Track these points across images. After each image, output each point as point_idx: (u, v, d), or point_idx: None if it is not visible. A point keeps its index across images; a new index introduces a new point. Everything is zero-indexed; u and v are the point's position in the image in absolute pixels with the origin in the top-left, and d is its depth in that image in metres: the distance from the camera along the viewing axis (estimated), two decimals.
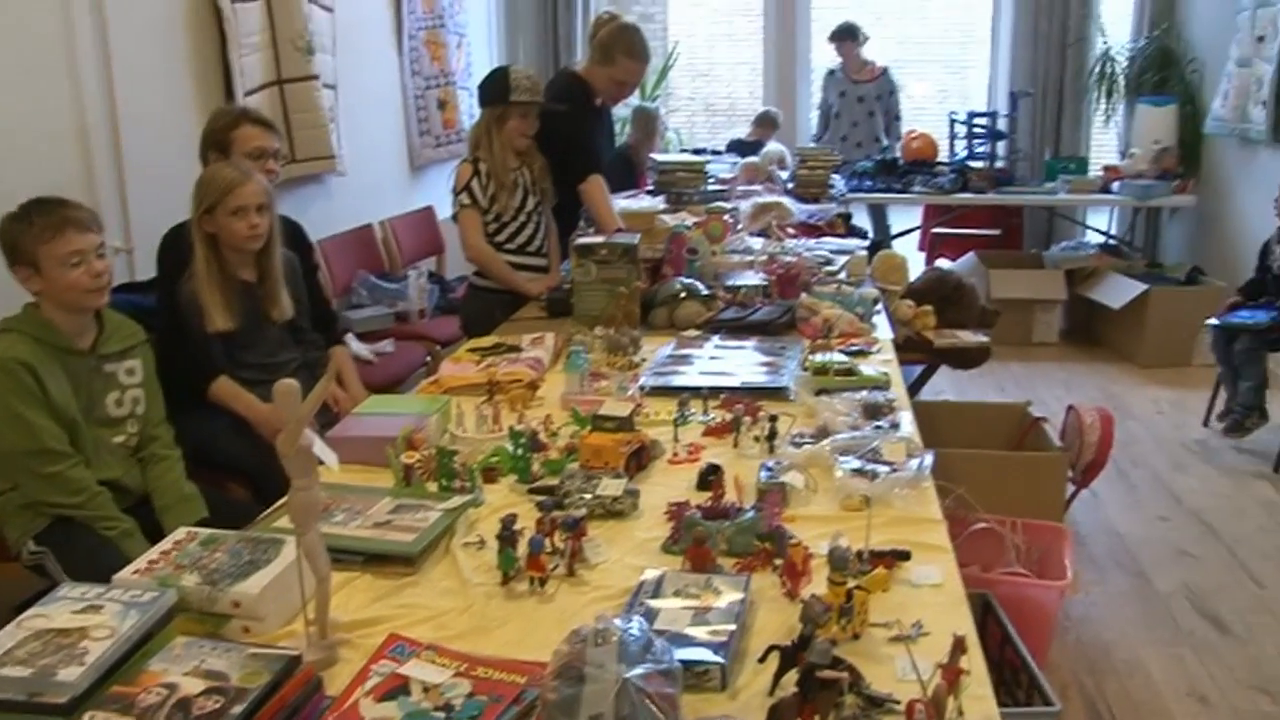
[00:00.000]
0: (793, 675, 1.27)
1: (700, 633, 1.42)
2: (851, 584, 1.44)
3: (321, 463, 1.44)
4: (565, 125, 3.65)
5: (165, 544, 1.62)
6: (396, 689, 1.29)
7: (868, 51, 7.16)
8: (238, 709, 1.19)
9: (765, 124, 7.07)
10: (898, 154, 6.93)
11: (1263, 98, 5.49)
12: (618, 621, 1.22)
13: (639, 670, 1.16)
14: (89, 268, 2.34)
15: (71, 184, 3.20)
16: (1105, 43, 6.91)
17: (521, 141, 3.57)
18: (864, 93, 7.09)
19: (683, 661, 1.26)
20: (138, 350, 2.55)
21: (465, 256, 3.68)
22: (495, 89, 3.54)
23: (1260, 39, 5.57)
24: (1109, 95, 6.86)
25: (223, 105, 3.80)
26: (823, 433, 2.18)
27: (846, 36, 7.03)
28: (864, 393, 2.39)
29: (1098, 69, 6.88)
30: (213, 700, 1.21)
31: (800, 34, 7.66)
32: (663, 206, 3.98)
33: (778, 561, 1.62)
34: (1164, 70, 6.66)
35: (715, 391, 2.40)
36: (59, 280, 2.32)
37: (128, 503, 2.44)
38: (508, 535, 1.63)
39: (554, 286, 3.53)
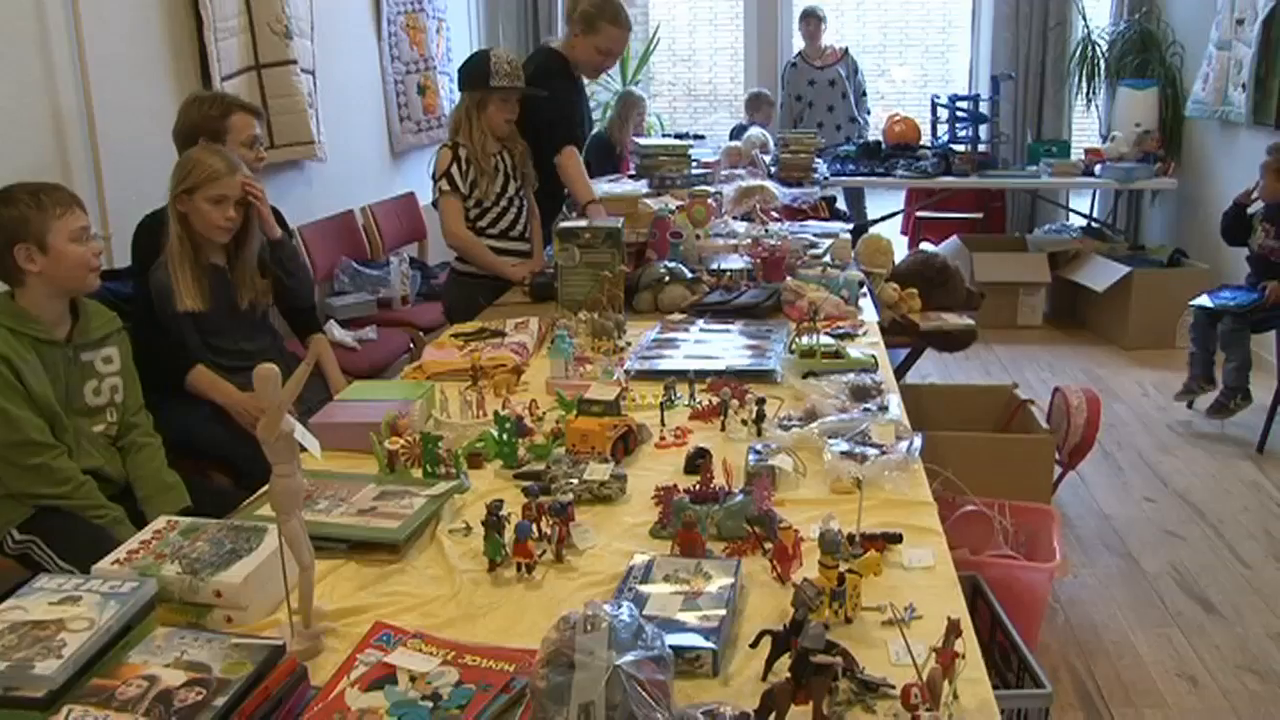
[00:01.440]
0: (786, 660, 1.25)
1: (691, 618, 1.40)
2: (843, 567, 1.43)
3: (304, 449, 1.42)
4: (546, 105, 3.61)
5: (145, 533, 1.60)
6: (383, 678, 1.27)
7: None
8: (220, 701, 1.17)
9: (758, 106, 7.04)
10: (872, 134, 6.92)
11: (1243, 80, 5.49)
12: (607, 607, 1.20)
13: (630, 657, 1.14)
14: (91, 246, 2.38)
15: (47, 171, 3.15)
16: (1086, 26, 6.90)
17: (502, 127, 3.53)
18: (833, 75, 7.10)
19: (674, 647, 1.24)
20: (114, 338, 2.51)
21: (447, 243, 3.64)
22: (475, 73, 3.49)
23: (1240, 22, 5.57)
24: (1090, 78, 6.87)
25: (199, 91, 3.73)
26: (811, 415, 2.16)
27: (818, 18, 7.05)
28: (851, 375, 2.37)
29: (1079, 52, 6.88)
30: (195, 692, 1.18)
31: (782, 19, 7.63)
32: (646, 190, 3.95)
33: (768, 545, 1.61)
34: (1145, 53, 6.66)
35: (701, 375, 2.38)
36: (68, 257, 2.32)
37: (110, 492, 2.41)
38: (494, 521, 1.61)
39: (537, 271, 3.50)
